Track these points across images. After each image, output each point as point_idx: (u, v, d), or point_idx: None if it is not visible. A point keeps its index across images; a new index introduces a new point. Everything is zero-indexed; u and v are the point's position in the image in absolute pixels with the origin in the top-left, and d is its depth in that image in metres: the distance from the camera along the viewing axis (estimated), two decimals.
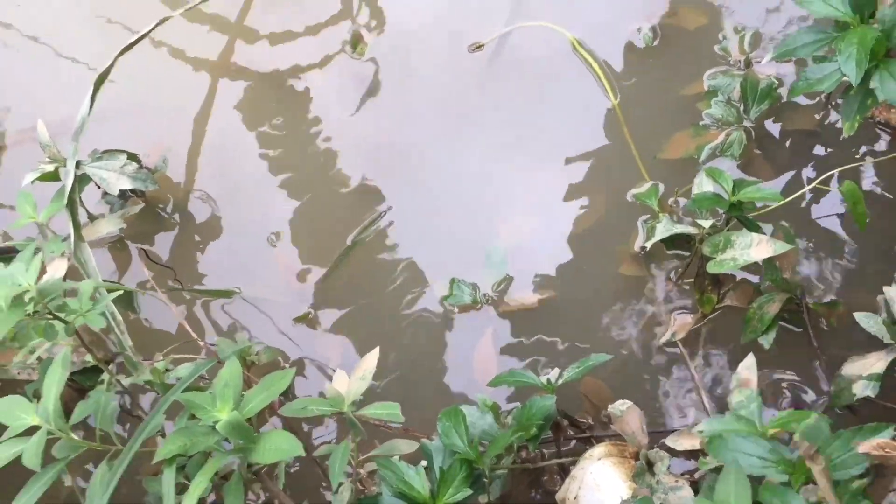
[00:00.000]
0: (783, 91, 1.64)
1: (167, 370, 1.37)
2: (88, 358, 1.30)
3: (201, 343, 1.39)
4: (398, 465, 1.19)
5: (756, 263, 1.38)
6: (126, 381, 1.26)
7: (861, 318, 1.32)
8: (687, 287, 1.54)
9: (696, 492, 1.21)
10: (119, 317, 1.42)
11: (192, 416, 1.15)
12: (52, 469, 1.15)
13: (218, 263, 1.73)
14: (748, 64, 1.68)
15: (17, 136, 1.89)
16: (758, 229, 1.40)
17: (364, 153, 1.78)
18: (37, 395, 1.25)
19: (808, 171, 1.61)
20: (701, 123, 1.66)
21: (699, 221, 1.42)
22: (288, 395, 1.56)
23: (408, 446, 1.32)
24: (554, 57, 1.80)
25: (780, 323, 1.43)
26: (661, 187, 1.62)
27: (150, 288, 1.65)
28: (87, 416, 1.27)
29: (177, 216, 1.78)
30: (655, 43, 1.77)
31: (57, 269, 1.48)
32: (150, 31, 1.61)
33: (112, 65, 1.56)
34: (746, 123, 1.63)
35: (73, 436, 1.17)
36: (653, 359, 1.51)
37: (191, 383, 1.22)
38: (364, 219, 1.71)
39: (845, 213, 1.55)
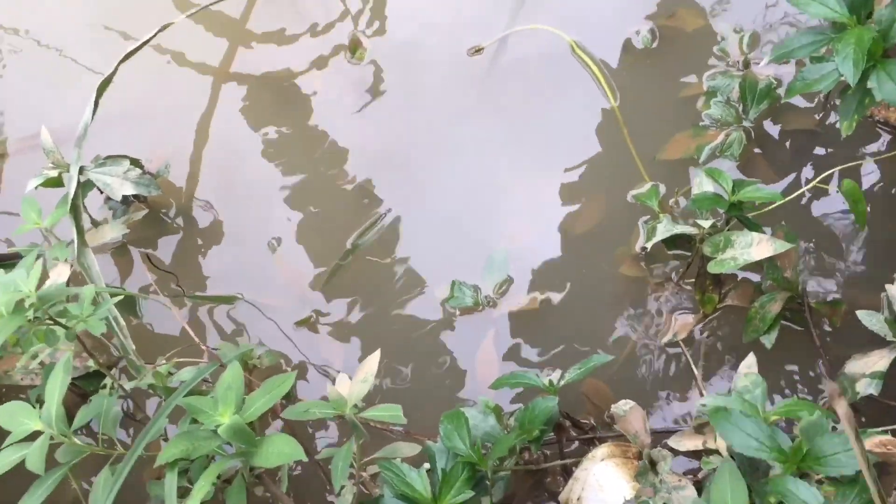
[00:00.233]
0: (782, 91, 1.64)
1: (170, 374, 1.37)
2: (91, 363, 1.30)
3: (203, 347, 1.40)
4: (400, 468, 1.19)
5: (757, 263, 1.38)
6: (128, 386, 1.26)
7: (863, 316, 1.32)
8: (688, 287, 1.54)
9: (699, 491, 1.21)
10: (122, 321, 1.43)
11: (194, 421, 1.16)
12: (55, 473, 1.16)
13: (220, 268, 1.73)
14: (747, 64, 1.69)
15: (19, 144, 1.90)
16: (758, 229, 1.40)
17: (364, 157, 1.79)
18: (39, 401, 1.25)
19: (807, 171, 1.61)
20: (700, 124, 1.66)
21: (699, 222, 1.42)
22: (290, 398, 1.56)
23: (410, 449, 1.33)
24: (553, 59, 1.80)
25: (782, 322, 1.43)
26: (662, 188, 1.62)
27: (152, 292, 1.65)
28: (89, 421, 1.28)
29: (180, 221, 1.79)
30: (654, 45, 1.77)
31: (60, 274, 1.50)
32: (151, 38, 1.62)
33: (115, 71, 1.57)
34: (746, 124, 1.64)
35: (76, 440, 1.18)
36: (654, 359, 1.51)
37: (193, 387, 1.22)
38: (364, 222, 1.72)
39: (846, 212, 1.55)
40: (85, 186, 1.59)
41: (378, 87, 1.85)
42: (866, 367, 1.32)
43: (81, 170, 1.53)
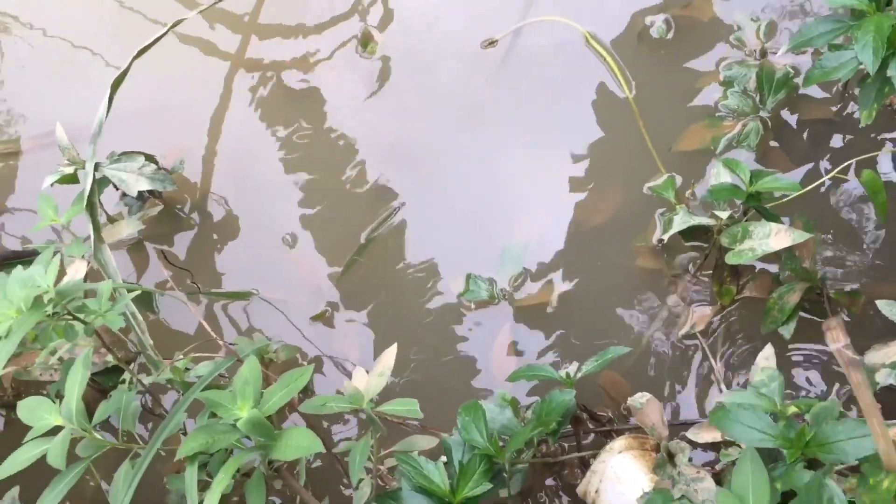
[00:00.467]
0: (799, 81, 1.62)
1: (187, 369, 1.38)
2: (109, 358, 1.31)
3: (220, 342, 1.40)
4: (418, 460, 1.19)
5: (776, 253, 1.37)
6: (147, 381, 1.27)
7: (883, 305, 1.31)
8: (705, 279, 1.53)
9: (718, 483, 1.20)
10: (139, 317, 1.43)
11: (213, 415, 1.16)
12: (76, 468, 1.16)
13: (236, 263, 1.74)
14: (764, 54, 1.67)
15: (34, 141, 1.91)
16: (776, 219, 1.39)
17: (378, 151, 1.79)
18: (59, 396, 1.26)
19: (825, 161, 1.60)
20: (717, 114, 1.65)
21: (717, 213, 1.41)
22: (307, 392, 1.57)
23: (427, 442, 1.33)
24: (567, 51, 1.79)
25: (801, 313, 1.41)
26: (678, 179, 1.61)
27: (168, 288, 1.66)
28: (109, 416, 1.29)
29: (195, 217, 1.79)
30: (669, 35, 1.76)
31: (77, 270, 1.50)
32: (164, 34, 1.62)
33: (128, 67, 1.57)
34: (763, 114, 1.62)
35: (97, 435, 1.18)
36: (672, 351, 1.50)
37: (210, 382, 1.23)
38: (378, 216, 1.71)
39: (865, 202, 1.54)
40: (100, 183, 1.60)
41: (391, 81, 1.84)
42: (886, 358, 1.31)
43: (97, 166, 1.54)
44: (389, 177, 1.75)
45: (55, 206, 1.58)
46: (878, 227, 1.52)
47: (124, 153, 1.64)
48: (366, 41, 1.82)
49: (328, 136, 1.82)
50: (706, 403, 1.46)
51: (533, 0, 1.84)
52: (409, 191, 1.73)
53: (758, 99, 1.63)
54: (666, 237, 1.49)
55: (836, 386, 1.42)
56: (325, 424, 1.57)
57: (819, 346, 1.44)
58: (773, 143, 1.62)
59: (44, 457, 1.15)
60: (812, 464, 1.04)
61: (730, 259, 1.37)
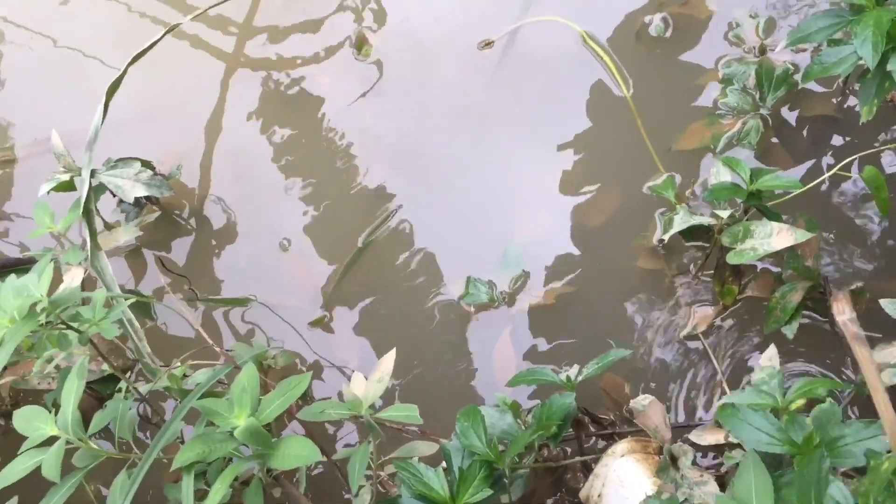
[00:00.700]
0: (799, 77, 1.61)
1: (185, 376, 1.37)
2: (107, 366, 1.30)
3: (217, 349, 1.39)
4: (417, 467, 1.18)
5: (778, 253, 1.36)
6: (143, 389, 1.26)
7: (887, 304, 1.29)
8: (707, 279, 1.52)
9: (721, 486, 1.19)
10: (136, 324, 1.43)
11: (210, 423, 1.15)
12: (72, 478, 1.16)
13: (234, 268, 1.73)
14: (763, 51, 1.66)
15: (31, 148, 1.91)
16: (778, 218, 1.38)
17: (376, 154, 1.78)
18: (56, 405, 1.25)
19: (827, 158, 1.58)
20: (716, 113, 1.64)
21: (717, 212, 1.40)
22: (306, 398, 1.56)
23: (428, 448, 1.31)
24: (565, 51, 1.78)
25: (804, 312, 1.40)
26: (678, 179, 1.60)
27: (167, 293, 1.65)
28: (107, 425, 1.28)
29: (193, 222, 1.78)
30: (668, 34, 1.74)
31: (74, 278, 1.49)
32: (159, 40, 1.61)
33: (123, 74, 1.57)
34: (763, 111, 1.61)
35: (93, 445, 1.17)
36: (674, 352, 1.49)
37: (208, 389, 1.22)
38: (375, 219, 1.70)
39: (867, 199, 1.52)
40: (97, 190, 1.59)
41: (386, 84, 1.83)
42: (891, 357, 1.29)
43: (93, 173, 1.53)
44: (387, 180, 1.74)
45: (51, 214, 1.57)
46: (880, 223, 1.50)
47: (120, 159, 1.63)
48: (360, 44, 1.81)
49: (325, 140, 1.81)
50: (709, 404, 1.44)
51: (530, 0, 1.83)
52: (407, 193, 1.72)
53: (757, 96, 1.61)
54: (666, 237, 1.47)
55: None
56: (331, 431, 1.55)
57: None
58: (774, 141, 1.61)
59: (40, 467, 1.14)
60: None
61: (731, 259, 1.36)
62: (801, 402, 1.10)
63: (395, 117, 1.81)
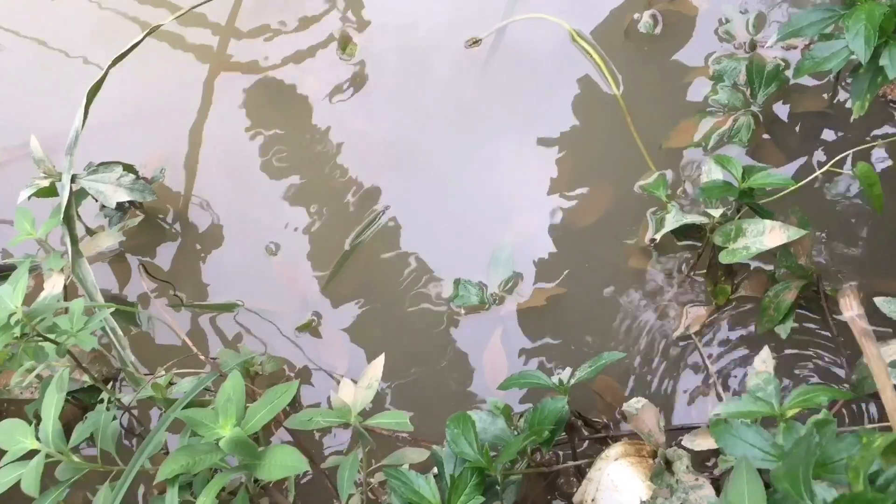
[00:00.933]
0: (790, 73, 1.59)
1: (171, 384, 1.34)
2: (90, 375, 1.27)
3: (202, 358, 1.36)
4: (407, 475, 1.15)
5: (770, 251, 1.34)
6: (126, 399, 1.23)
7: (881, 303, 1.28)
8: (699, 279, 1.50)
9: (717, 489, 1.17)
10: (119, 332, 1.40)
11: (195, 433, 1.12)
12: (52, 493, 1.13)
13: (221, 273, 1.70)
14: (753, 46, 1.64)
15: (11, 152, 1.87)
16: (770, 216, 1.36)
17: (363, 155, 1.75)
18: (37, 416, 1.22)
19: (819, 154, 1.57)
20: (707, 110, 1.62)
21: (709, 210, 1.38)
22: (295, 404, 1.53)
23: (419, 455, 1.29)
24: (553, 49, 1.76)
25: (798, 311, 1.38)
26: (669, 177, 1.58)
27: (153, 298, 1.62)
28: (90, 436, 1.25)
29: (178, 226, 1.75)
30: (657, 30, 1.72)
31: (55, 285, 1.46)
32: (140, 42, 1.58)
33: (104, 76, 1.54)
34: (754, 108, 1.59)
35: (74, 458, 1.15)
36: (667, 353, 1.47)
37: (195, 397, 1.19)
38: (363, 220, 1.68)
39: (860, 196, 1.50)
40: (78, 195, 1.56)
41: (373, 84, 1.81)
42: (886, 356, 1.27)
43: (73, 178, 1.50)
44: (375, 181, 1.72)
45: (32, 220, 1.54)
46: (874, 220, 1.49)
47: (102, 164, 1.60)
48: (345, 43, 1.78)
49: (312, 141, 1.78)
50: (703, 406, 1.42)
51: None
52: (394, 194, 1.70)
53: (748, 93, 1.59)
54: (658, 237, 1.45)
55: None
56: (320, 436, 1.53)
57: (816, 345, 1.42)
58: (766, 137, 1.59)
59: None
60: None
61: (723, 258, 1.34)
62: (797, 410, 1.08)
63: (382, 117, 1.78)
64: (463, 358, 1.54)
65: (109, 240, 1.62)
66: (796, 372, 1.40)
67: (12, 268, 1.60)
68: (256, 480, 1.24)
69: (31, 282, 1.66)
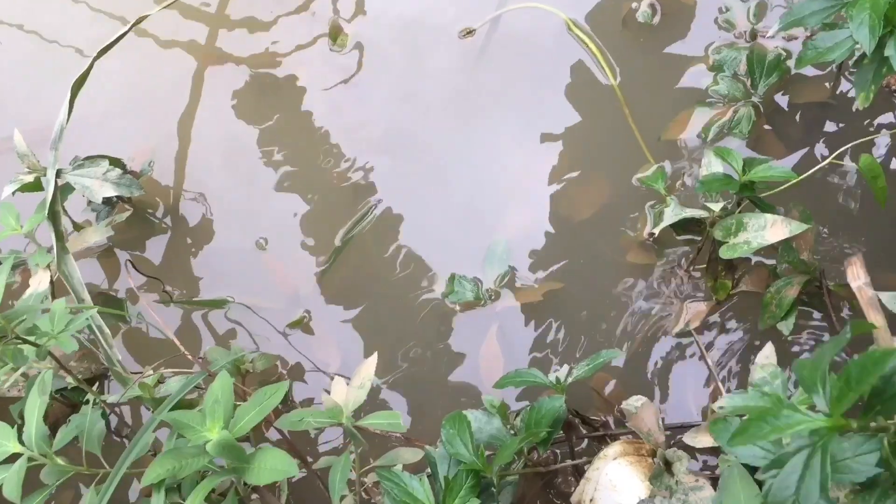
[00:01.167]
0: (792, 63, 1.56)
1: (160, 382, 1.31)
2: (70, 380, 1.24)
3: (190, 357, 1.33)
4: (401, 476, 1.13)
5: (772, 246, 1.31)
6: (111, 400, 1.20)
7: (887, 299, 1.25)
8: (699, 274, 1.47)
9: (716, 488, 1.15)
10: (106, 330, 1.37)
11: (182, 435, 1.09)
12: (37, 497, 1.10)
13: (211, 267, 1.67)
14: (754, 36, 1.61)
15: None
16: (771, 210, 1.33)
17: (355, 147, 1.72)
18: (22, 417, 1.20)
19: (820, 146, 1.54)
20: (707, 101, 1.59)
21: (709, 204, 1.35)
22: (287, 402, 1.50)
23: (413, 454, 1.27)
24: (549, 39, 1.73)
25: (800, 307, 1.36)
26: (668, 169, 1.55)
27: (142, 293, 1.59)
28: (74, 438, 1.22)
29: (168, 220, 1.72)
30: (655, 20, 1.69)
31: (40, 282, 1.43)
32: (126, 32, 1.54)
33: (90, 68, 1.50)
34: (754, 99, 1.56)
35: (59, 460, 1.12)
36: (666, 350, 1.44)
37: (185, 396, 1.16)
38: (356, 214, 1.65)
39: (863, 189, 1.47)
40: (64, 190, 1.53)
41: (363, 75, 1.78)
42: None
43: (59, 173, 1.46)
44: (367, 174, 1.69)
45: (17, 215, 1.51)
46: (877, 213, 1.46)
47: (88, 158, 1.57)
48: (335, 34, 1.75)
49: (303, 133, 1.75)
50: (703, 404, 1.40)
51: None
52: (387, 188, 1.67)
53: (749, 83, 1.56)
54: (657, 231, 1.43)
55: None
56: (313, 434, 1.50)
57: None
58: (766, 128, 1.56)
59: None
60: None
61: (724, 253, 1.31)
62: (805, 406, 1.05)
63: (374, 109, 1.75)
64: (458, 355, 1.51)
65: (97, 235, 1.58)
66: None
67: None
68: (246, 483, 1.21)
69: (19, 277, 1.63)
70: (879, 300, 1.17)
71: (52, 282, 1.49)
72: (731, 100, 1.57)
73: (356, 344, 1.55)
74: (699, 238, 1.46)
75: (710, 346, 1.43)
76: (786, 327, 1.34)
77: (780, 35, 1.58)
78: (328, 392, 1.24)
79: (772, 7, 1.65)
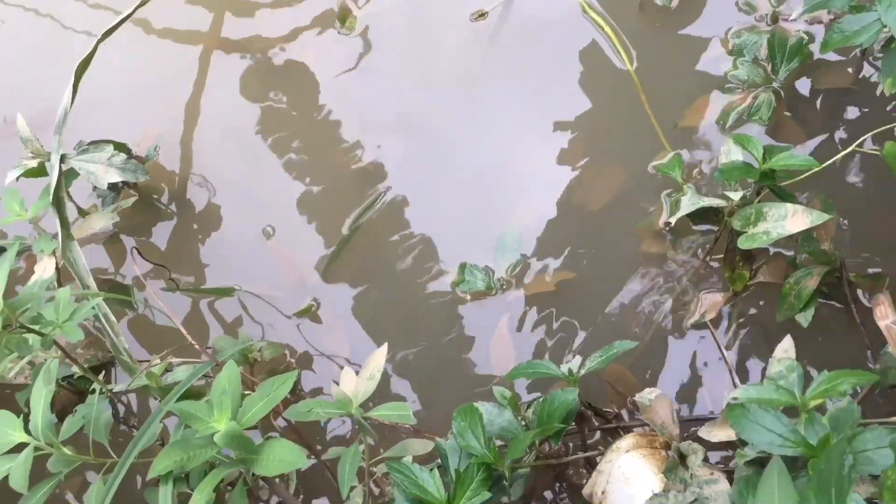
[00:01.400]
0: (814, 48, 1.52)
1: (167, 371, 1.30)
2: (75, 369, 1.22)
3: (198, 347, 1.31)
4: (411, 468, 1.11)
5: (791, 235, 1.28)
6: (117, 389, 1.19)
7: None
8: (716, 264, 1.44)
9: (731, 482, 1.12)
10: (112, 318, 1.35)
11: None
12: (44, 486, 1.09)
13: (218, 254, 1.65)
14: (775, 19, 1.57)
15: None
16: (792, 199, 1.30)
17: (364, 133, 1.69)
18: (28, 406, 1.18)
19: (842, 133, 1.50)
20: (726, 86, 1.55)
21: (728, 193, 1.32)
22: (295, 391, 1.49)
23: (422, 446, 1.25)
24: (563, 22, 1.69)
25: (819, 299, 1.33)
26: (685, 157, 1.52)
27: (149, 280, 1.58)
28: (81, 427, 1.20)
29: (173, 206, 1.70)
30: (673, 3, 1.65)
31: (45, 269, 1.42)
32: (130, 14, 1.52)
33: (93, 51, 1.48)
34: (775, 84, 1.52)
35: (66, 450, 1.10)
36: (681, 341, 1.42)
37: (192, 386, 1.15)
38: (364, 201, 1.63)
39: (887, 177, 1.44)
40: (68, 175, 1.51)
41: (372, 59, 1.75)
42: None
43: (63, 158, 1.44)
44: (377, 159, 1.66)
45: (21, 200, 1.49)
46: None
47: (92, 143, 1.55)
48: (343, 16, 1.71)
49: (311, 119, 1.72)
50: (718, 397, 1.37)
51: None
52: (397, 175, 1.64)
53: (769, 68, 1.52)
54: (673, 220, 1.40)
55: None
56: (322, 423, 1.48)
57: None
58: (786, 115, 1.53)
59: None
60: None
61: (742, 243, 1.28)
62: (820, 400, 1.03)
63: (384, 94, 1.72)
64: (468, 345, 1.49)
65: (102, 221, 1.56)
66: (817, 361, 1.35)
67: (1, 249, 1.55)
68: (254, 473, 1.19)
69: (23, 263, 1.62)
70: None
71: (57, 268, 1.47)
72: (751, 85, 1.53)
73: (364, 333, 1.53)
74: (716, 227, 1.43)
75: (725, 337, 1.40)
76: (804, 319, 1.31)
77: (803, 18, 1.54)
78: (336, 382, 1.22)
79: None
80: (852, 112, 1.51)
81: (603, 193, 1.54)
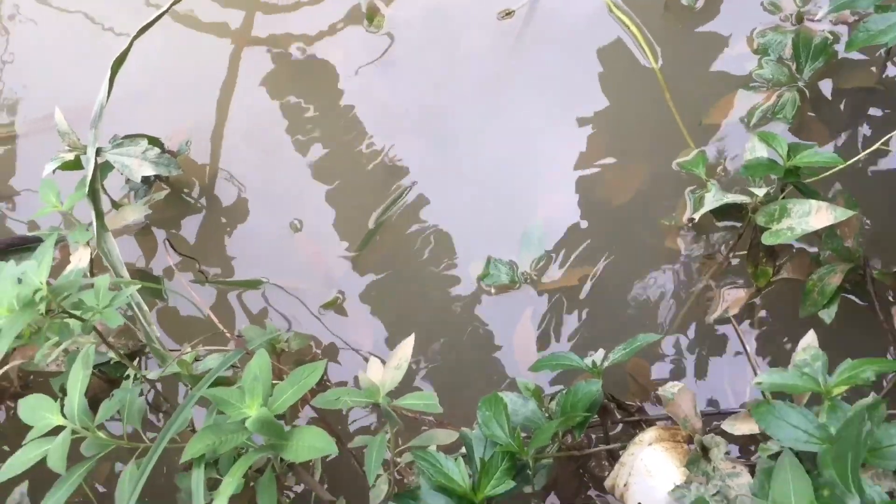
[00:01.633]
0: (839, 48, 1.52)
1: (197, 360, 1.32)
2: (116, 352, 1.26)
3: (228, 335, 1.34)
4: (437, 457, 1.13)
5: (814, 232, 1.29)
6: (151, 376, 1.21)
7: None
8: (739, 260, 1.45)
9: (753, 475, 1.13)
10: (145, 307, 1.38)
11: (221, 411, 1.10)
12: (80, 468, 1.12)
13: (246, 247, 1.68)
14: (800, 19, 1.57)
15: (36, 123, 1.86)
16: (816, 195, 1.30)
17: (390, 129, 1.72)
18: (63, 391, 1.21)
19: (865, 131, 1.50)
20: (750, 85, 1.56)
21: (752, 189, 1.33)
22: (321, 382, 1.51)
23: (447, 436, 1.27)
24: (589, 20, 1.70)
25: (843, 295, 1.33)
26: (709, 154, 1.52)
27: (178, 272, 1.61)
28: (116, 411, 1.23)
29: (203, 200, 1.73)
30: (698, 3, 1.66)
31: (81, 258, 1.45)
32: (164, 12, 1.54)
33: (129, 48, 1.50)
34: (799, 83, 1.53)
35: (100, 434, 1.13)
36: (703, 336, 1.43)
37: (221, 375, 1.17)
38: (389, 196, 1.65)
39: None
40: (103, 168, 1.54)
41: (400, 57, 1.77)
42: None
43: (98, 151, 1.47)
44: (402, 155, 1.68)
45: (57, 192, 1.53)
46: None
47: (127, 137, 1.58)
48: (371, 15, 1.73)
49: (338, 115, 1.75)
50: (741, 391, 1.38)
51: None
52: (422, 169, 1.66)
53: (794, 67, 1.53)
54: (697, 216, 1.41)
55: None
56: (345, 411, 1.50)
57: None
58: (810, 114, 1.53)
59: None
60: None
61: (766, 239, 1.29)
62: (844, 387, 1.03)
63: (411, 91, 1.74)
64: (492, 338, 1.51)
65: (135, 214, 1.60)
66: (840, 358, 1.35)
67: (38, 240, 1.58)
68: (282, 459, 1.22)
69: (58, 254, 1.65)
70: None
71: (91, 259, 1.50)
72: (776, 84, 1.54)
73: (389, 325, 1.55)
74: (739, 224, 1.44)
75: (748, 333, 1.41)
76: (828, 315, 1.31)
77: (828, 18, 1.55)
78: (362, 373, 1.24)
79: None
80: (876, 111, 1.51)
81: (627, 190, 1.56)
